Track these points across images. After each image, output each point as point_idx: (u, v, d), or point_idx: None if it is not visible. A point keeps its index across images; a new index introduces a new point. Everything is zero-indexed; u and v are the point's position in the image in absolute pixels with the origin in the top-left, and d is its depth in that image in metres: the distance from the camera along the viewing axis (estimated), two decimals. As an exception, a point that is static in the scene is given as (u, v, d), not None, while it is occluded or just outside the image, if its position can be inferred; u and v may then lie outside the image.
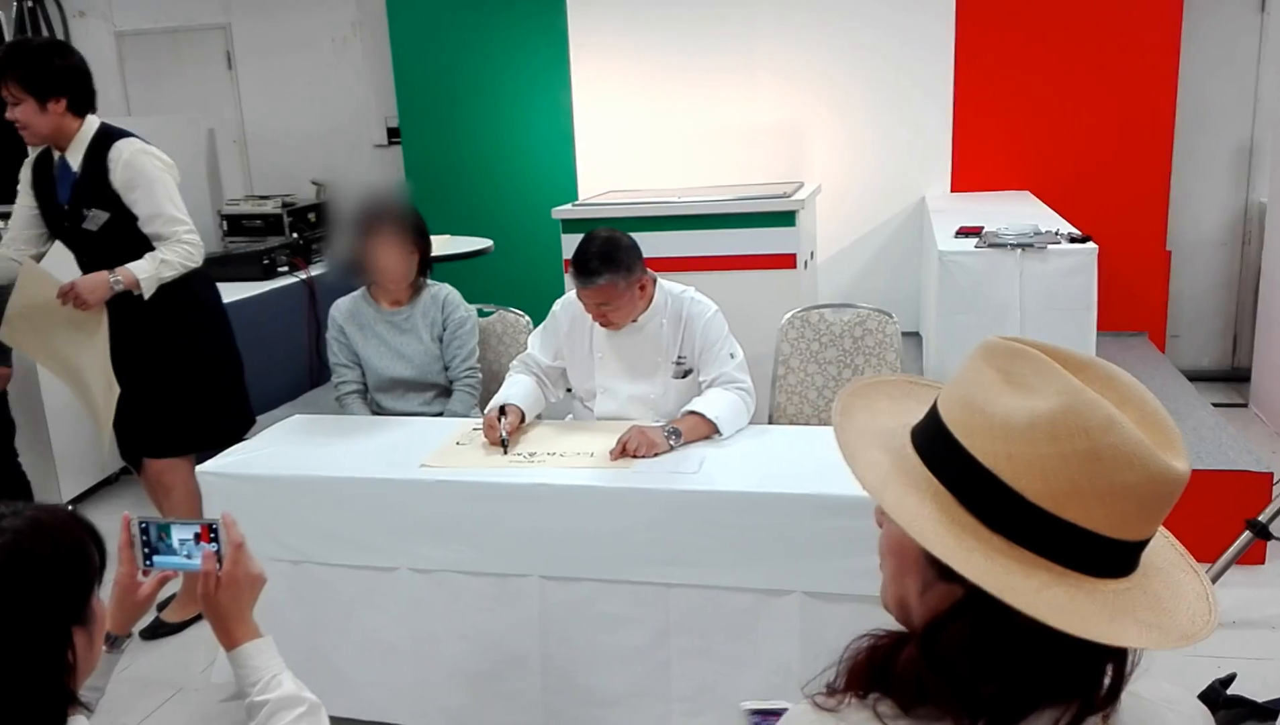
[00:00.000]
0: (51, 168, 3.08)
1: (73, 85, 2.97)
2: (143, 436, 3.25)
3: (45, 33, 5.59)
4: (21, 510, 1.18)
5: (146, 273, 2.98)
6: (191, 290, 3.17)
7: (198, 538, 1.52)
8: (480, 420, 2.94)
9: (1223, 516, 3.21)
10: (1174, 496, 0.87)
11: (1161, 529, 0.98)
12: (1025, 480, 0.85)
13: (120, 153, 2.99)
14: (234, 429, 3.27)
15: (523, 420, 2.75)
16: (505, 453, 2.59)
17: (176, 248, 3.03)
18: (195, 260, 3.07)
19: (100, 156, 3.00)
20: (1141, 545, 0.89)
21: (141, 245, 3.04)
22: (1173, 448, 0.87)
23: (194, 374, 3.21)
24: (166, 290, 3.07)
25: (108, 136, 3.03)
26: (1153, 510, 0.87)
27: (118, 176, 2.99)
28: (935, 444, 0.91)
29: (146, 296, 3.00)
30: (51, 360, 3.22)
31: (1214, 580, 2.89)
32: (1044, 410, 0.85)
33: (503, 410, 2.68)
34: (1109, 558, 0.87)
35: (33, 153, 3.15)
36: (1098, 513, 0.84)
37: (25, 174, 3.16)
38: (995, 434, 0.87)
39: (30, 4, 5.13)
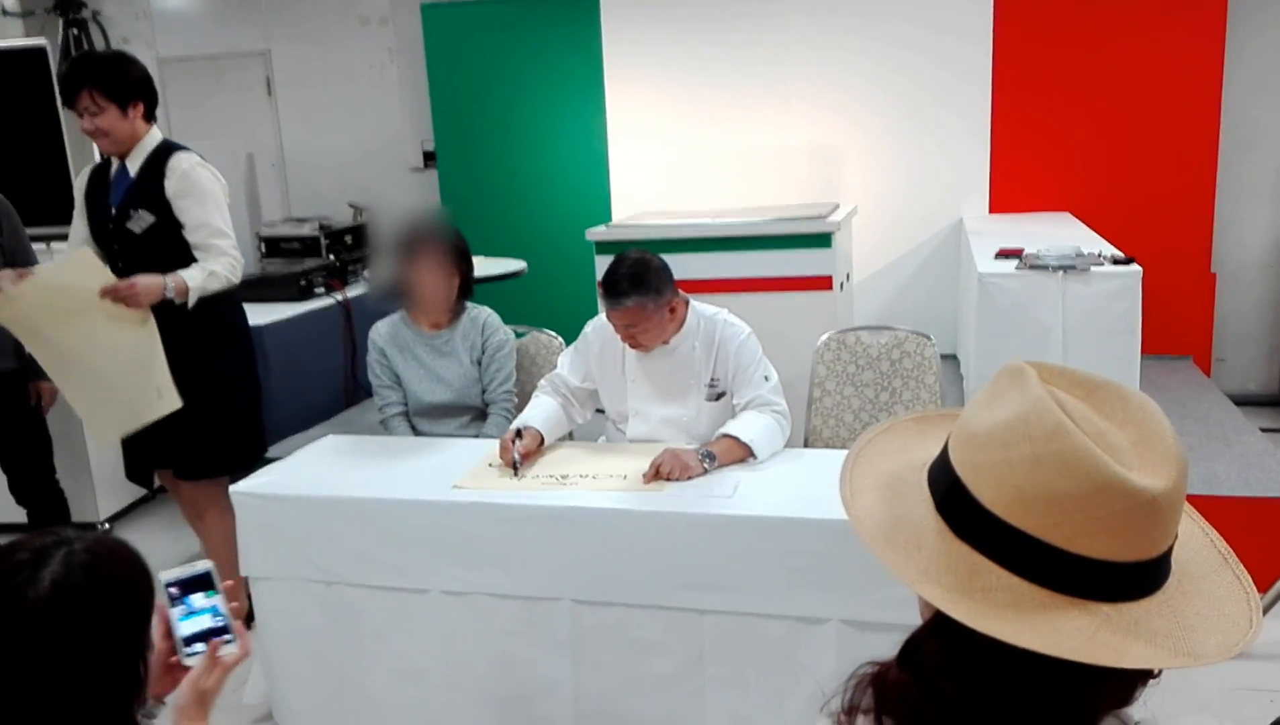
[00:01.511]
0: (108, 176, 3.14)
1: (147, 91, 3.09)
2: (174, 458, 3.26)
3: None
4: (78, 536, 1.19)
5: (195, 282, 3.00)
6: (221, 313, 3.19)
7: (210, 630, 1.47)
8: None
9: (1274, 545, 3.12)
10: (1140, 513, 0.83)
11: (1204, 528, 0.97)
12: (981, 486, 0.87)
13: (180, 162, 3.06)
14: (255, 453, 3.29)
15: (541, 443, 2.73)
16: (515, 476, 2.57)
17: (221, 260, 3.06)
18: (237, 275, 3.11)
19: (158, 164, 3.06)
20: (1125, 569, 0.85)
21: (180, 256, 3.06)
22: (1155, 468, 0.84)
23: (225, 396, 3.23)
24: (199, 312, 3.09)
25: (169, 148, 3.11)
26: (1115, 527, 0.83)
27: (173, 184, 3.04)
28: (937, 460, 0.94)
29: (190, 306, 3.02)
30: (48, 349, 3.07)
31: (1264, 612, 2.80)
32: (1001, 418, 0.87)
33: (519, 433, 2.67)
34: (1075, 574, 0.84)
35: (87, 169, 3.22)
36: (1044, 522, 0.83)
37: (80, 182, 3.21)
38: (966, 443, 0.90)
39: (75, 31, 5.23)
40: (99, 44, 5.92)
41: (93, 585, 1.14)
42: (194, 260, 3.07)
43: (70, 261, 3.06)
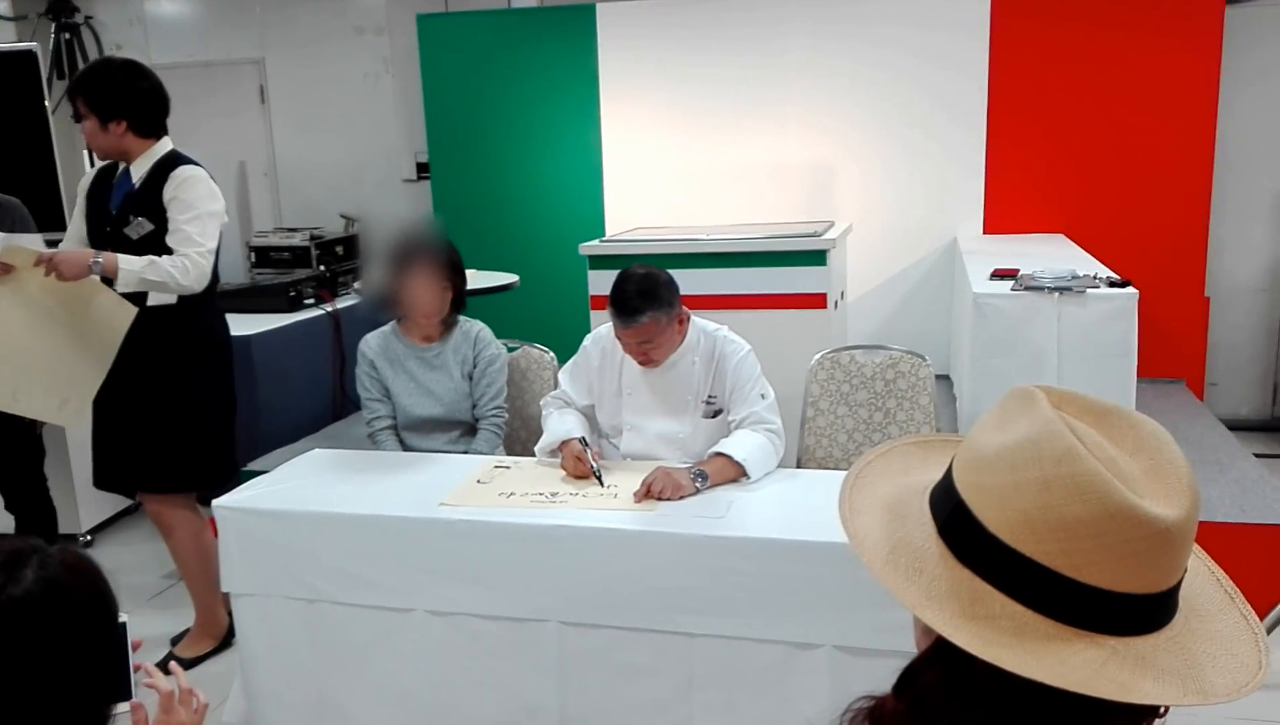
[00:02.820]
0: (113, 179, 3.11)
1: (137, 109, 3.02)
2: (142, 470, 3.17)
3: (80, 66, 5.66)
4: (48, 547, 1.19)
5: (130, 265, 2.87)
6: (207, 326, 3.16)
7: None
8: (502, 459, 2.89)
9: (1268, 572, 3.09)
10: (1152, 542, 0.81)
11: (1210, 566, 0.95)
12: (986, 509, 0.84)
13: (181, 172, 3.03)
14: (227, 471, 3.22)
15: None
16: (603, 484, 2.54)
17: (175, 260, 2.93)
18: (188, 278, 2.92)
19: (163, 174, 3.03)
20: (1133, 600, 0.82)
21: None
22: (1168, 497, 0.82)
23: (202, 410, 3.17)
24: (183, 323, 3.05)
25: (176, 160, 3.07)
26: (1126, 556, 0.80)
27: (169, 190, 3.01)
28: (940, 484, 0.92)
29: (121, 289, 2.91)
30: None
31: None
32: (1010, 441, 0.85)
33: (584, 442, 2.64)
34: (1082, 604, 0.81)
35: (93, 170, 3.21)
36: (1052, 548, 0.81)
37: (84, 183, 3.19)
38: (972, 465, 0.87)
39: (67, 36, 5.20)
40: (91, 49, 5.88)
41: (75, 583, 1.16)
42: None
43: (118, 302, 2.95)
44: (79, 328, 2.96)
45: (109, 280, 2.90)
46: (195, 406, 3.15)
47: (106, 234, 3.06)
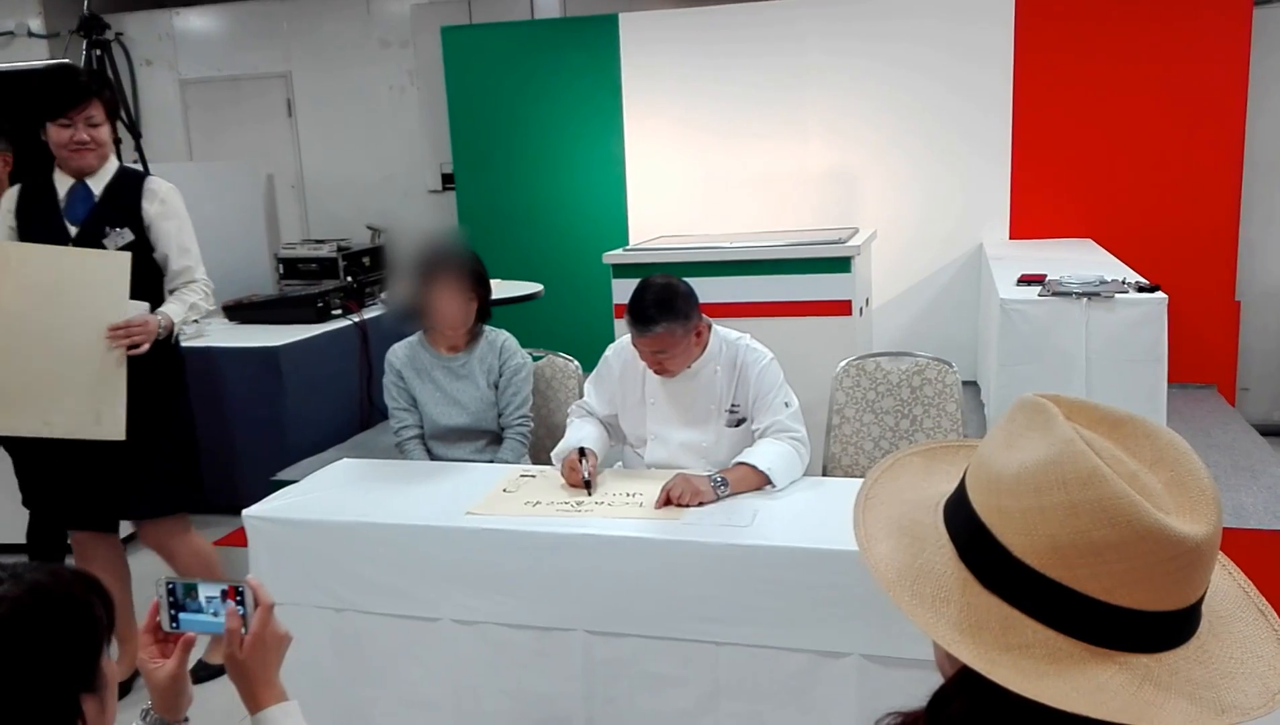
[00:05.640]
0: (52, 197, 3.02)
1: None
2: (141, 499, 3.12)
3: (111, 83, 5.74)
4: (22, 574, 1.14)
5: (179, 317, 3.01)
6: (176, 351, 3.15)
7: (224, 597, 1.46)
8: (528, 467, 2.90)
9: (1305, 581, 3.05)
10: (1183, 562, 0.79)
11: (1225, 564, 0.93)
12: (1011, 534, 0.82)
13: (159, 186, 3.08)
14: (201, 486, 3.26)
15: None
16: (590, 493, 2.55)
17: (199, 291, 3.07)
18: (212, 301, 3.12)
19: (130, 186, 3.04)
20: (1165, 618, 0.81)
21: (146, 276, 2.98)
22: (1195, 512, 0.81)
23: (189, 429, 3.20)
24: (164, 347, 3.04)
25: (134, 171, 3.13)
26: (1157, 576, 0.79)
27: (154, 207, 3.03)
28: (954, 501, 0.90)
29: (173, 341, 3.00)
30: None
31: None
32: (1030, 462, 0.82)
33: (582, 452, 2.64)
34: (1115, 626, 0.80)
35: (14, 190, 3.10)
36: (1082, 573, 0.79)
37: (9, 204, 3.08)
38: (990, 487, 0.85)
39: (99, 53, 5.28)
40: (122, 65, 5.96)
41: (11, 641, 1.09)
42: (157, 281, 3.03)
43: (103, 256, 2.90)
44: (74, 318, 2.84)
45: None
46: (188, 424, 3.20)
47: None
